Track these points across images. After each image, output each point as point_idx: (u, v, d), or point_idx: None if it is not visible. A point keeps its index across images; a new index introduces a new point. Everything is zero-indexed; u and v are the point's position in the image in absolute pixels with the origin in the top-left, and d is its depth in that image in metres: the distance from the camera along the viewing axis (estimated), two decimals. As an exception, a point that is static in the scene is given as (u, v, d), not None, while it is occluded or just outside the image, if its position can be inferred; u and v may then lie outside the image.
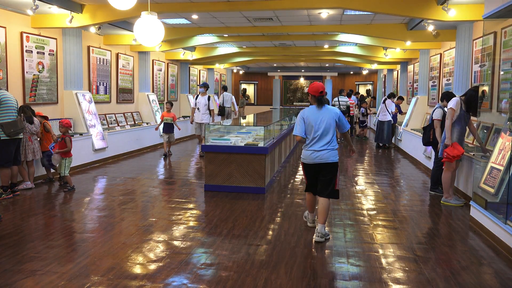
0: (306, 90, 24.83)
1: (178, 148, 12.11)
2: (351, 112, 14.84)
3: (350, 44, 13.28)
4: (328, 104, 4.82)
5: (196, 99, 10.54)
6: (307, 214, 5.07)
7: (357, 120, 16.11)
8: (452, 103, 5.90)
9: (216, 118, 16.82)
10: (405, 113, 12.89)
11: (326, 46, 13.63)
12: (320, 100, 4.58)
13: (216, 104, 16.57)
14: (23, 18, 7.87)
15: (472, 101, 5.95)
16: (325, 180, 4.55)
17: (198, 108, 10.33)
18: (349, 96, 15.08)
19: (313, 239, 4.51)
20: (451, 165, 6.00)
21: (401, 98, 13.11)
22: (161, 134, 10.93)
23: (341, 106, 14.00)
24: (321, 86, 4.58)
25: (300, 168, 8.86)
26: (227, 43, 13.63)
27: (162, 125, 10.63)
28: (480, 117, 6.68)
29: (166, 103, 10.80)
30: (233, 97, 16.06)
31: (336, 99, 14.40)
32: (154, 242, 4.45)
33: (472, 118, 6.15)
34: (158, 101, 13.48)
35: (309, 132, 4.57)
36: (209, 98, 10.36)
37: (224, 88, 16.20)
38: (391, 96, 12.65)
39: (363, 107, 15.16)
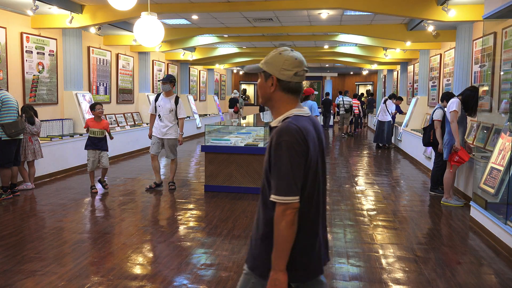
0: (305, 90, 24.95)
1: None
2: (355, 111, 16.52)
3: (350, 44, 13.29)
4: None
5: (155, 101, 6.73)
6: None
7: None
8: (455, 105, 5.83)
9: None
10: (405, 113, 12.94)
11: (326, 46, 13.64)
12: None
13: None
14: (23, 19, 7.87)
15: (469, 101, 5.93)
16: None
17: (159, 115, 6.68)
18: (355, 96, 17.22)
19: None
20: (455, 166, 6.00)
21: (400, 99, 13.19)
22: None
23: (345, 105, 15.66)
24: None
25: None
26: (227, 44, 13.63)
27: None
28: (479, 117, 6.69)
29: (96, 105, 6.67)
30: None
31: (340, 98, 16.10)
32: (154, 242, 4.45)
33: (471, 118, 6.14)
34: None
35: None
36: (177, 100, 6.69)
37: None
38: (392, 96, 12.67)
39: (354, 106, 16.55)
